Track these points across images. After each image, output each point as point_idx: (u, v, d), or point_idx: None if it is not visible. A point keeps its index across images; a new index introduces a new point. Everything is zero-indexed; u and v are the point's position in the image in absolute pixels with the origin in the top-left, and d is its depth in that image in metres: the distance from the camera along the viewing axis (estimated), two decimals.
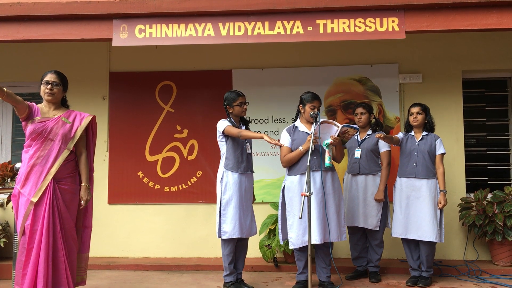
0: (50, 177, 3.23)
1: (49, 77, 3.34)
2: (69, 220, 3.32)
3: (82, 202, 3.36)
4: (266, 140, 3.63)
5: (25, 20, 4.06)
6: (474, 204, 4.81)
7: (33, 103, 3.35)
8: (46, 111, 3.36)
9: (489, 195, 4.81)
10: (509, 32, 4.75)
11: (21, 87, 5.42)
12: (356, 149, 4.34)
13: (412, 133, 4.24)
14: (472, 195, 4.93)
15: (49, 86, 3.32)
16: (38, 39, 4.12)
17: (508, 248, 4.64)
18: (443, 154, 4.15)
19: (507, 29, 3.87)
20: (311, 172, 3.66)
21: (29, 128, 3.27)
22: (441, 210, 4.09)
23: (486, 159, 5.27)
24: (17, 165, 3.90)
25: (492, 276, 4.43)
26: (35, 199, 3.19)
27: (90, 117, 3.46)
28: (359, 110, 4.38)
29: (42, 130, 3.26)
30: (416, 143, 4.16)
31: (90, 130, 3.51)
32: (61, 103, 3.47)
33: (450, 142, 4.99)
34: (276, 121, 5.26)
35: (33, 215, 3.19)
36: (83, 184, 3.39)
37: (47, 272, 3.15)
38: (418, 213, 4.06)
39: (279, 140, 4.00)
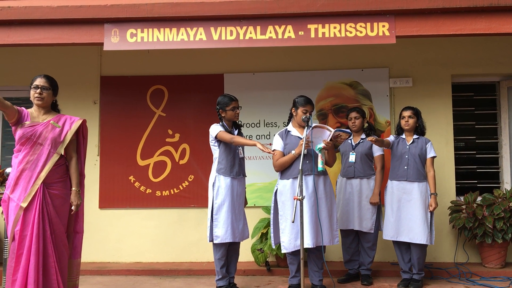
0: (39, 181, 3.20)
1: (39, 81, 3.32)
2: (60, 226, 3.28)
3: (73, 207, 3.32)
4: (259, 148, 3.64)
5: (16, 24, 4.03)
6: (464, 207, 4.85)
7: (23, 108, 3.33)
8: (36, 116, 3.34)
9: (479, 198, 4.86)
10: (498, 37, 4.83)
11: (12, 91, 5.37)
12: (351, 153, 4.36)
13: (403, 136, 4.27)
14: (462, 198, 4.97)
15: (38, 91, 3.30)
16: (29, 43, 4.09)
17: (497, 250, 4.69)
18: (433, 157, 4.19)
19: (495, 34, 3.92)
20: (303, 176, 3.67)
21: (18, 133, 3.24)
22: (431, 212, 4.12)
23: (475, 162, 5.32)
24: (7, 170, 3.86)
25: (482, 278, 4.47)
26: (24, 204, 3.16)
27: (80, 121, 3.44)
28: (353, 114, 4.41)
29: (31, 135, 3.23)
30: (407, 147, 4.20)
31: (81, 134, 3.48)
32: (52, 108, 3.44)
33: (440, 145, 5.03)
34: (267, 125, 5.27)
35: (22, 220, 3.16)
36: (73, 188, 3.35)
37: (37, 278, 3.11)
38: (410, 215, 4.08)
39: (271, 144, 4.01)
